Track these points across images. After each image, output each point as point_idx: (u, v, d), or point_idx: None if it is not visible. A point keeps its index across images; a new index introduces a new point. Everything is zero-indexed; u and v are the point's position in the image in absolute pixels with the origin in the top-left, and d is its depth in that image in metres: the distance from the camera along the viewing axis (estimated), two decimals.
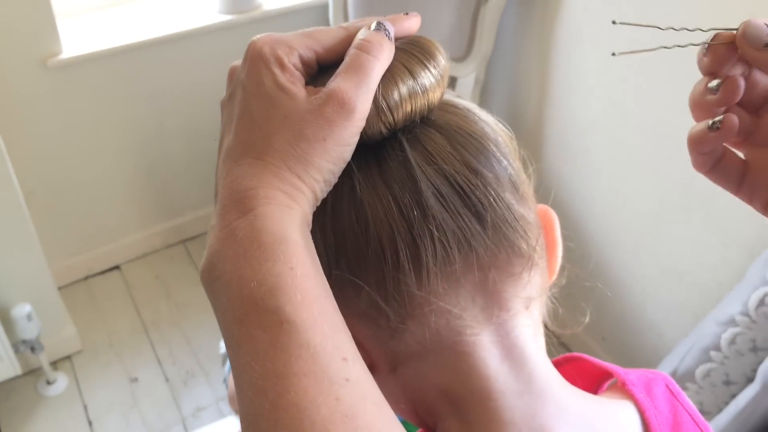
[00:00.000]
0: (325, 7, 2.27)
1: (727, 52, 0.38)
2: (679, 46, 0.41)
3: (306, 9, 2.31)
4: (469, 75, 2.04)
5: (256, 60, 0.40)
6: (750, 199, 0.42)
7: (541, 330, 0.46)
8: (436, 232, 0.40)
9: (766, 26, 0.37)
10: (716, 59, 0.39)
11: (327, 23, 2.25)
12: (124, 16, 2.21)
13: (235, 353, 0.34)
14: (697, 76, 0.41)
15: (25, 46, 1.92)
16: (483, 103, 2.15)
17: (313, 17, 2.32)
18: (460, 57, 2.02)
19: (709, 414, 1.46)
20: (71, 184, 2.24)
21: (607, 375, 0.52)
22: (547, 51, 1.95)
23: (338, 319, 0.36)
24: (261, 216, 0.36)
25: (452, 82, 2.11)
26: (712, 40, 0.39)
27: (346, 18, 2.08)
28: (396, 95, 0.41)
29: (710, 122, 0.39)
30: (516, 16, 2.04)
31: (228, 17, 2.19)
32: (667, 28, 0.43)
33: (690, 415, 0.46)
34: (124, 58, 2.11)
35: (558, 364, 0.55)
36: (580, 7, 1.79)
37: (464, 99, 0.47)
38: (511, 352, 0.43)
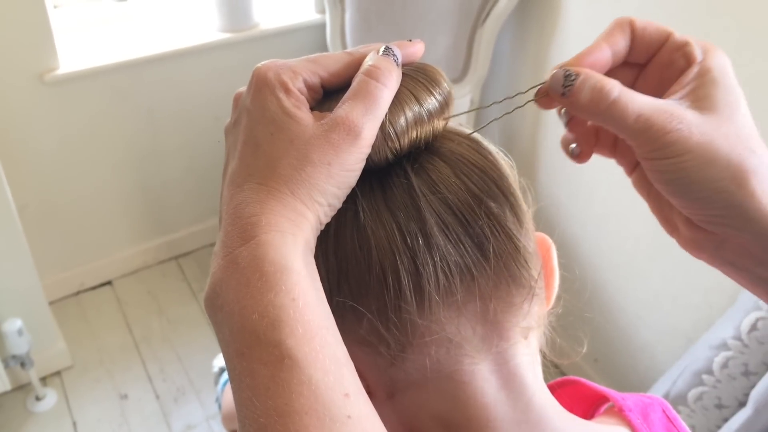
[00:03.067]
0: (322, 26, 2.29)
1: (550, 100, 0.43)
2: (508, 98, 0.47)
3: (303, 28, 2.32)
4: (464, 96, 2.05)
5: (260, 85, 0.40)
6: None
7: (538, 358, 0.46)
8: (439, 262, 0.40)
9: (563, 73, 0.41)
10: (544, 106, 0.44)
11: (324, 43, 2.26)
12: (122, 32, 2.22)
13: (237, 387, 0.34)
14: None
15: (22, 60, 1.93)
16: (478, 125, 2.16)
17: (310, 37, 2.34)
18: (455, 78, 2.03)
19: None
20: (65, 198, 2.23)
21: (603, 399, 0.52)
22: (542, 73, 1.97)
23: (340, 351, 0.35)
24: (263, 244, 0.35)
25: None
26: (536, 95, 0.44)
27: (343, 38, 2.10)
28: (403, 121, 0.41)
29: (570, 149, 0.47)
30: (511, 39, 2.06)
31: (225, 35, 2.20)
32: (492, 103, 0.51)
33: None
34: (122, 74, 2.12)
35: (554, 388, 0.55)
36: (575, 31, 1.81)
37: (468, 128, 0.48)
38: (509, 381, 0.43)
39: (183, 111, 2.29)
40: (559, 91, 0.40)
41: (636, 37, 0.42)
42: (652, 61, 0.42)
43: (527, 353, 0.44)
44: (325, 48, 2.27)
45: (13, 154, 2.03)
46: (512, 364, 0.43)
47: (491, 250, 0.42)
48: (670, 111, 0.38)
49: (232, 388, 0.35)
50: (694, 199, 0.39)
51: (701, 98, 0.39)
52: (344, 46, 2.10)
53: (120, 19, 2.28)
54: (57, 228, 2.26)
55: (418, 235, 0.41)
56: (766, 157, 0.39)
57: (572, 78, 0.40)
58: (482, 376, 0.42)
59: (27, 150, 2.07)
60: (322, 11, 2.28)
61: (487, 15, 1.92)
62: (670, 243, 1.70)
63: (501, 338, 0.43)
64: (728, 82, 0.40)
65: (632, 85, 0.43)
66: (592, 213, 1.93)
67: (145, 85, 2.18)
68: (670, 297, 1.75)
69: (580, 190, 1.94)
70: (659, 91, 0.42)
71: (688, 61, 0.40)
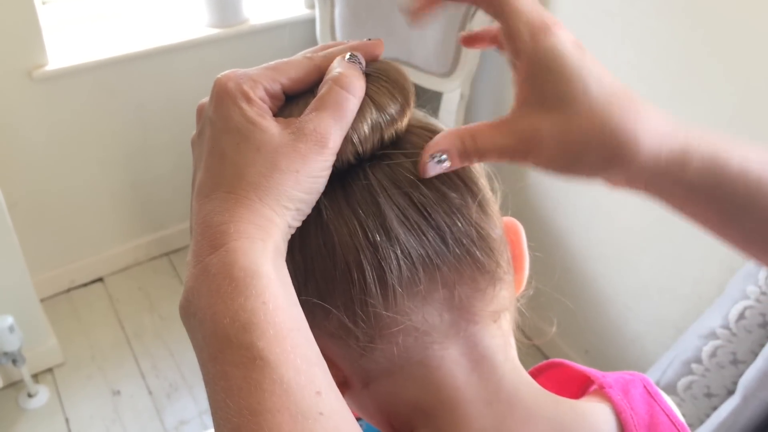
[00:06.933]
0: (312, 21, 2.29)
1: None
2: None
3: (292, 23, 2.32)
4: (454, 90, 2.06)
5: (222, 96, 0.40)
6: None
7: (511, 340, 0.47)
8: (401, 254, 0.41)
9: (436, 160, 0.42)
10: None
11: (314, 38, 2.26)
12: (110, 28, 2.21)
13: (211, 390, 0.34)
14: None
15: (10, 57, 1.92)
16: (468, 118, 2.17)
17: (299, 32, 2.34)
18: (445, 72, 2.04)
19: (690, 426, 1.47)
20: (55, 195, 2.23)
21: (588, 380, 0.53)
22: None
23: (312, 351, 0.36)
24: (232, 251, 0.36)
25: (437, 98, 2.14)
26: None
27: (332, 33, 2.10)
28: (365, 128, 0.42)
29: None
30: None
31: (215, 31, 2.20)
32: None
33: (667, 415, 0.47)
34: (111, 70, 2.11)
35: (541, 370, 0.56)
36: (564, 24, 1.82)
37: (432, 118, 0.48)
38: (479, 363, 0.44)
39: (172, 107, 2.28)
40: (442, 168, 0.42)
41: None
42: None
43: (498, 335, 0.45)
44: (315, 43, 2.27)
45: (1, 151, 2.02)
46: (482, 346, 0.44)
47: (453, 239, 0.42)
48: (514, 130, 0.41)
49: (207, 393, 0.35)
50: (590, 179, 0.42)
51: (543, 92, 0.40)
52: (334, 41, 2.10)
53: (109, 15, 2.27)
54: (47, 225, 2.26)
55: (378, 230, 0.41)
56: (627, 112, 0.40)
57: (444, 157, 0.42)
58: (452, 360, 0.43)
59: (16, 147, 2.07)
60: (312, 6, 2.28)
61: (477, 9, 1.92)
62: (659, 235, 1.73)
63: (469, 323, 0.44)
64: (567, 62, 0.41)
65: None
66: (581, 205, 1.94)
67: (135, 81, 2.18)
68: (659, 288, 1.76)
69: (570, 182, 1.95)
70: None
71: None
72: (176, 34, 2.18)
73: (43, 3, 2.14)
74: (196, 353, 0.36)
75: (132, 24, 2.25)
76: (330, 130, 0.39)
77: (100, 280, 2.46)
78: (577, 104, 0.40)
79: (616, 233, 1.85)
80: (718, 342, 1.40)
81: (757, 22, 1.37)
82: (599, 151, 0.40)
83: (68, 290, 2.42)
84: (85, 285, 2.44)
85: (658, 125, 0.40)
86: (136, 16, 2.29)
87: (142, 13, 2.30)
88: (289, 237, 0.40)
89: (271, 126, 0.39)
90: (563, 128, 0.40)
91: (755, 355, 1.36)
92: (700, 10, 1.47)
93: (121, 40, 2.13)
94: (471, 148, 0.41)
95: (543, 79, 0.40)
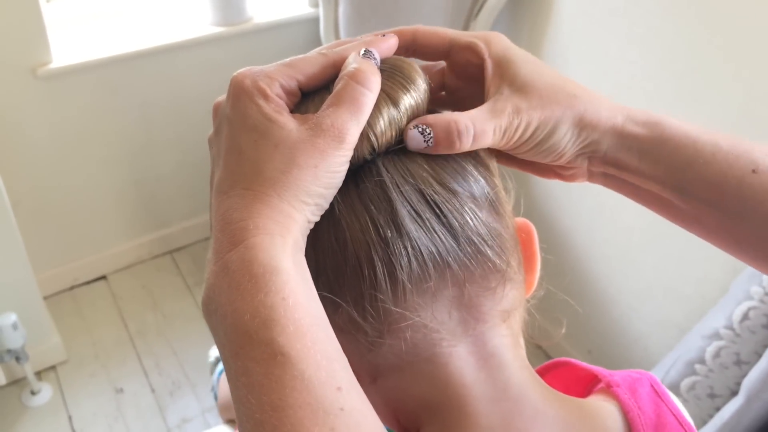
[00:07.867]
0: (316, 20, 2.29)
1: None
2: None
3: (296, 22, 2.32)
4: None
5: (239, 93, 0.41)
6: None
7: (520, 340, 0.47)
8: (411, 251, 0.41)
9: (419, 132, 0.43)
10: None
11: (318, 37, 2.26)
12: (114, 27, 2.22)
13: (233, 386, 0.35)
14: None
15: (14, 54, 1.92)
16: None
17: (303, 31, 2.34)
18: None
19: None
20: (59, 193, 2.23)
21: (595, 379, 0.53)
22: None
23: (332, 347, 0.36)
24: (251, 247, 0.36)
25: None
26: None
27: (336, 32, 2.10)
28: (381, 124, 0.42)
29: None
30: (504, 32, 2.05)
31: (218, 29, 2.20)
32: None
33: (674, 415, 0.47)
34: (114, 68, 2.11)
35: (548, 369, 0.56)
36: (568, 25, 1.82)
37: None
38: (487, 361, 0.44)
39: (176, 105, 2.29)
40: (423, 146, 0.43)
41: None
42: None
43: (507, 335, 0.45)
44: (318, 42, 2.27)
45: (5, 149, 2.02)
46: (490, 345, 0.44)
47: (464, 237, 0.43)
48: (502, 110, 0.43)
49: (230, 389, 0.35)
50: (565, 155, 0.45)
51: (513, 79, 0.44)
52: (338, 39, 2.10)
53: (113, 14, 2.28)
54: (50, 223, 2.26)
55: (390, 226, 0.42)
56: (580, 89, 0.45)
57: (428, 132, 0.43)
58: (460, 357, 0.43)
59: (20, 145, 2.07)
60: (316, 5, 2.29)
61: (480, 8, 1.92)
62: (662, 235, 1.73)
63: (478, 321, 0.44)
64: (521, 56, 0.46)
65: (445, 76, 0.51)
66: (585, 205, 1.94)
67: (139, 79, 2.18)
68: (663, 288, 1.76)
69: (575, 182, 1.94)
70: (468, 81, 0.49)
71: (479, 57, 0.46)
72: (180, 32, 2.18)
73: (47, 1, 2.15)
74: (218, 350, 0.37)
75: (136, 22, 2.25)
76: (347, 125, 0.40)
77: (104, 278, 2.47)
78: (541, 84, 0.44)
79: (619, 233, 1.85)
80: (721, 342, 1.40)
81: (762, 20, 1.36)
82: (571, 114, 0.44)
83: (71, 288, 2.42)
84: (88, 283, 2.45)
85: (602, 97, 0.45)
86: (140, 14, 2.29)
87: (145, 12, 2.30)
88: (308, 232, 0.41)
89: (288, 122, 0.40)
90: (539, 102, 0.44)
91: (759, 355, 1.36)
92: (704, 9, 1.47)
93: (124, 39, 2.14)
94: (454, 126, 0.43)
95: (508, 70, 0.45)
